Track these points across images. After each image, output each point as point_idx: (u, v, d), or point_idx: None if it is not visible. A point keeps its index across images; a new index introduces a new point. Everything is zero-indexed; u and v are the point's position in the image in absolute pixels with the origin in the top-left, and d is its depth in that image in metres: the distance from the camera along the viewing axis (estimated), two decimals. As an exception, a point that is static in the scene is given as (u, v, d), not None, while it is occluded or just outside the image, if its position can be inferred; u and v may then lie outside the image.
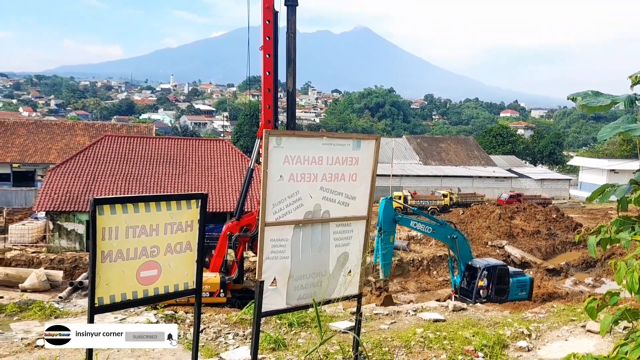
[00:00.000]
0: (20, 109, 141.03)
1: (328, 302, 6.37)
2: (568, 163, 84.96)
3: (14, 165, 45.68)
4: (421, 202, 50.76)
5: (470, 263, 23.32)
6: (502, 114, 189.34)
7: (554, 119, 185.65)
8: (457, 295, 22.53)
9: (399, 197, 49.67)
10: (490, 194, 61.15)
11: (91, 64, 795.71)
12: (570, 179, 72.32)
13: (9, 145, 46.30)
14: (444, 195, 52.61)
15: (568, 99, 3.64)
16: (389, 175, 48.63)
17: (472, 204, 51.20)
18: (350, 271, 6.59)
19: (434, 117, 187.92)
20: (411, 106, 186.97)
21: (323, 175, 6.22)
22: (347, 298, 6.65)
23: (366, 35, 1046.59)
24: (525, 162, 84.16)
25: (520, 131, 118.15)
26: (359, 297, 6.71)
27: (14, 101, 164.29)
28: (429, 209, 50.06)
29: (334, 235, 6.45)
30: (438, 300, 20.40)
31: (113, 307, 5.12)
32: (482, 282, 22.53)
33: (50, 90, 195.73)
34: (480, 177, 65.10)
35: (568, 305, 13.82)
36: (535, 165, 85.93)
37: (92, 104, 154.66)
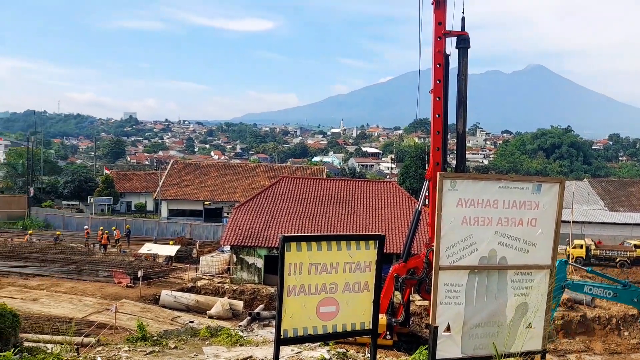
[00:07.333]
0: (212, 153, 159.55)
1: (507, 355, 6.01)
2: None
3: (205, 202, 51.70)
4: (607, 252, 45.53)
5: None
6: None
7: None
8: None
9: (580, 246, 45.26)
10: (697, 246, 52.29)
11: (272, 111, 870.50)
12: None
13: (203, 185, 52.71)
14: (636, 246, 46.34)
15: None
16: (569, 222, 44.55)
17: (673, 258, 44.28)
18: (530, 323, 6.19)
19: (620, 158, 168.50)
20: (592, 147, 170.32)
21: (499, 219, 6.03)
22: (528, 353, 6.21)
23: (540, 73, 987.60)
24: None
25: None
26: (542, 353, 6.23)
27: (207, 146, 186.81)
28: (617, 260, 44.64)
29: (512, 284, 6.15)
30: (633, 366, 17.87)
31: (296, 340, 5.43)
32: None
33: (236, 136, 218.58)
34: (682, 226, 56.25)
35: None
36: None
37: (271, 148, 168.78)
